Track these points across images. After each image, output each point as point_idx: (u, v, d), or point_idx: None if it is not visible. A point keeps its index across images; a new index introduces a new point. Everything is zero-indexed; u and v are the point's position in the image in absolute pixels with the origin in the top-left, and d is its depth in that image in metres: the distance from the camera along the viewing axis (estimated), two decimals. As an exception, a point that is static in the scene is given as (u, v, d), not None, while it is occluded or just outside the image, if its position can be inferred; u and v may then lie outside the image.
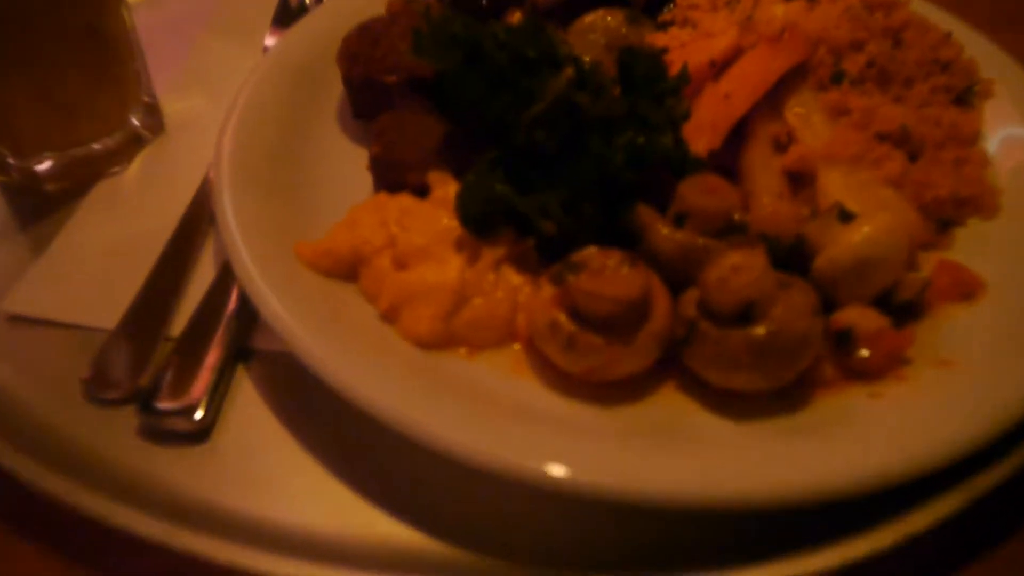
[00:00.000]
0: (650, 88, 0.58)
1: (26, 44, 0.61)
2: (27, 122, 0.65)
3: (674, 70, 0.60)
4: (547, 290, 0.48)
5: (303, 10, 0.80)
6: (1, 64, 0.61)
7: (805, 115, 0.63)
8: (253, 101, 0.64)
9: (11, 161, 0.67)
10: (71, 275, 0.60)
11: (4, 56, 0.61)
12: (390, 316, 0.51)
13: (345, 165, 0.63)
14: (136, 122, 0.70)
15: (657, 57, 0.60)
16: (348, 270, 0.53)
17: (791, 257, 0.51)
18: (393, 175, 0.58)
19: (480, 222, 0.52)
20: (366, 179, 0.61)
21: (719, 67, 0.65)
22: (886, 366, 0.49)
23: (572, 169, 0.53)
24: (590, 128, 0.53)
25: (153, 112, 0.72)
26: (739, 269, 0.45)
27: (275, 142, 0.63)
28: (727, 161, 0.61)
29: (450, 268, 0.50)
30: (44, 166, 0.67)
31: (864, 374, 0.49)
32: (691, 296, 0.48)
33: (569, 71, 0.53)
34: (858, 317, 0.49)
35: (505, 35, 0.56)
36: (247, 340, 0.54)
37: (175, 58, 0.79)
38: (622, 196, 0.53)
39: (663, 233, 0.50)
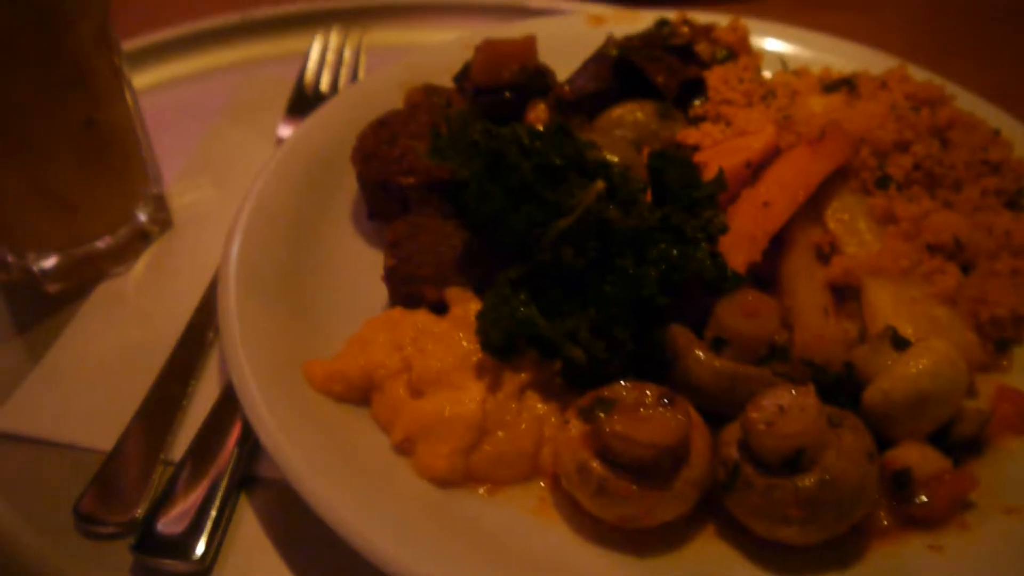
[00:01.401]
0: (683, 197, 0.56)
1: (21, 137, 0.59)
2: (25, 218, 0.63)
3: (707, 170, 0.58)
4: (575, 426, 0.45)
5: (319, 98, 0.79)
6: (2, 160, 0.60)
7: (848, 222, 0.60)
8: (264, 200, 0.62)
9: (9, 259, 0.65)
10: (67, 389, 0.58)
11: (6, 153, 0.60)
12: (404, 448, 0.48)
13: (358, 270, 0.61)
14: (142, 217, 0.68)
15: (690, 163, 0.58)
16: (360, 394, 0.51)
17: (838, 386, 0.48)
18: (409, 289, 0.55)
19: (503, 347, 0.50)
20: (380, 286, 0.58)
21: (755, 168, 0.63)
22: (947, 513, 0.45)
23: (601, 289, 0.50)
24: (621, 244, 0.51)
25: (160, 205, 0.70)
26: (788, 411, 0.42)
27: (285, 245, 0.61)
28: (765, 269, 0.59)
29: (470, 397, 0.48)
30: (44, 265, 0.65)
31: (923, 522, 0.45)
32: (732, 434, 0.45)
33: (599, 183, 0.51)
34: (916, 458, 0.46)
35: (530, 141, 0.55)
36: (251, 467, 0.52)
37: (185, 145, 0.78)
38: (655, 317, 0.51)
39: (701, 360, 0.47)
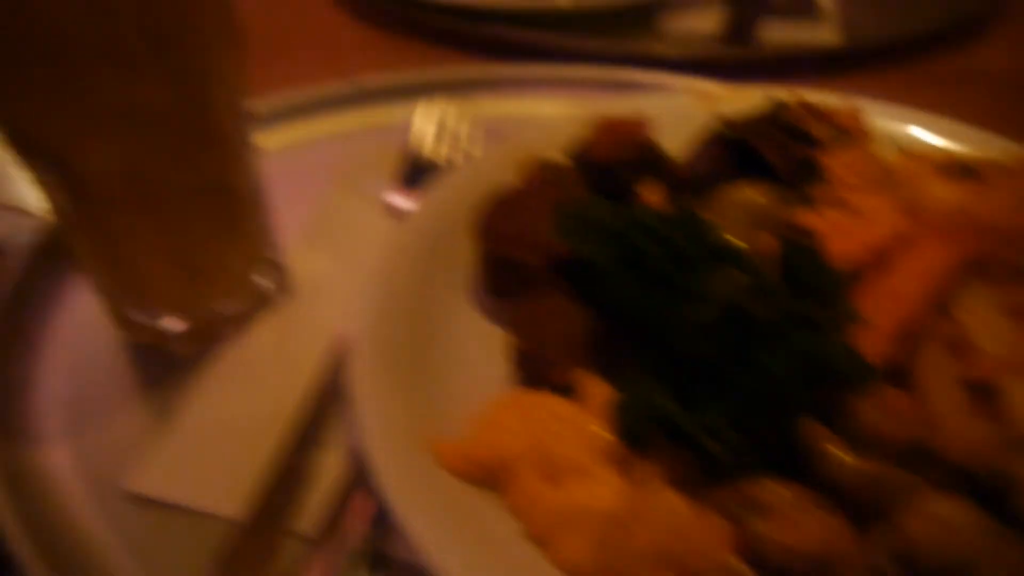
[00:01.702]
0: (814, 286, 0.55)
1: (153, 201, 0.61)
2: (153, 280, 0.65)
3: (831, 257, 0.58)
4: (715, 522, 0.45)
5: (427, 168, 0.81)
6: (129, 221, 0.62)
7: (982, 315, 0.59)
8: (387, 274, 0.64)
9: (138, 319, 0.68)
10: (194, 453, 0.59)
11: (132, 212, 0.61)
12: (540, 538, 0.48)
13: (479, 347, 0.61)
14: (262, 282, 0.70)
15: (818, 250, 0.57)
16: (490, 478, 0.51)
17: (990, 494, 0.47)
18: (536, 371, 0.56)
19: (638, 437, 0.50)
20: (501, 364, 0.59)
21: (881, 257, 0.62)
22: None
23: (738, 380, 0.50)
24: (758, 335, 0.51)
25: (279, 271, 0.72)
26: (948, 523, 0.41)
27: (408, 319, 0.62)
28: (894, 364, 0.57)
29: (607, 488, 0.47)
30: (170, 325, 0.67)
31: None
32: (880, 538, 0.44)
33: (740, 275, 0.51)
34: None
35: (661, 226, 0.55)
36: (382, 545, 0.52)
37: (296, 210, 0.80)
38: (791, 411, 0.50)
39: (846, 462, 0.47)
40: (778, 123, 0.74)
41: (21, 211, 0.80)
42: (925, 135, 0.81)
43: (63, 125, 0.55)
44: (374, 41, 1.13)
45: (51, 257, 0.74)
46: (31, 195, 0.87)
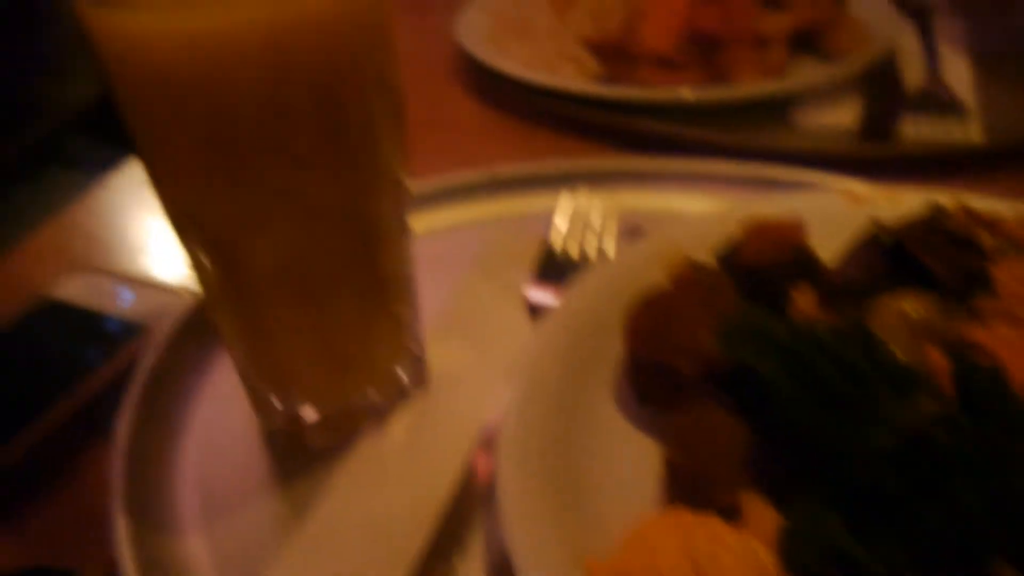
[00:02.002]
0: (996, 412, 0.52)
1: (309, 293, 0.61)
2: (298, 370, 0.66)
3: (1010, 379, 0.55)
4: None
5: (566, 262, 0.80)
6: (281, 309, 0.62)
7: None
8: (532, 374, 0.63)
9: (278, 406, 0.68)
10: (330, 553, 0.58)
11: (285, 301, 0.62)
12: (706, 676, 0.45)
13: (628, 456, 0.59)
14: (403, 373, 0.70)
15: (999, 372, 0.54)
16: (647, 603, 0.48)
17: None
18: (694, 489, 0.53)
19: (809, 571, 0.46)
20: (653, 476, 0.56)
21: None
22: None
23: (923, 515, 0.46)
24: (948, 466, 0.47)
25: (418, 362, 0.71)
26: None
27: (554, 423, 0.60)
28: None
29: (778, 627, 0.44)
30: (308, 415, 0.67)
31: None
32: None
33: (925, 400, 0.48)
34: None
35: (831, 340, 0.52)
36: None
37: (434, 300, 0.80)
38: (983, 554, 0.46)
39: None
40: (938, 229, 0.71)
41: (168, 289, 0.82)
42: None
43: (227, 213, 0.57)
44: (509, 129, 1.15)
45: (195, 336, 0.75)
46: (180, 273, 0.90)
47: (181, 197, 0.57)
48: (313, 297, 0.61)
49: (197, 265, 0.63)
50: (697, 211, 0.88)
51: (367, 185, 0.57)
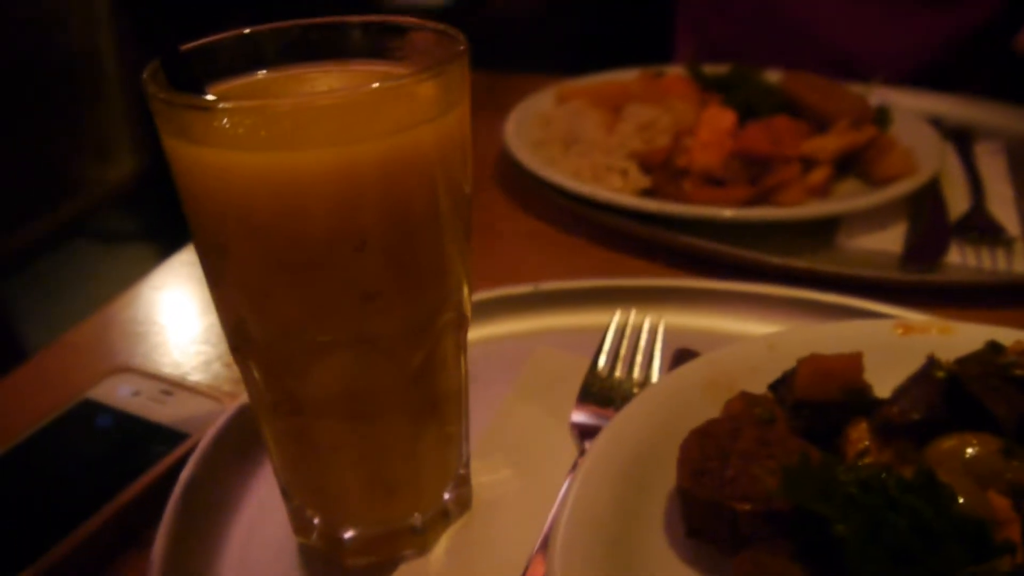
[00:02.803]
0: (1072, 570, 0.50)
1: (365, 417, 0.61)
2: (343, 494, 0.65)
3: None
4: None
5: (612, 384, 0.80)
6: (333, 434, 0.62)
7: None
8: (579, 504, 0.62)
9: (316, 523, 0.67)
10: None
11: (338, 426, 0.62)
12: None
13: (680, 596, 0.58)
14: (447, 495, 0.69)
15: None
16: None
17: None
18: (756, 638, 0.51)
19: None
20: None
21: None
22: None
23: None
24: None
25: (464, 484, 0.71)
26: None
27: (602, 557, 0.59)
28: None
29: None
30: (348, 535, 0.66)
31: None
32: None
33: (1000, 559, 0.47)
34: None
35: (900, 491, 0.52)
36: None
37: (478, 417, 0.79)
38: None
39: None
40: (997, 368, 0.70)
41: (210, 394, 0.82)
42: None
43: (288, 332, 0.57)
44: (553, 238, 1.17)
45: (236, 447, 0.75)
46: (223, 376, 0.90)
47: (243, 311, 0.58)
48: (366, 418, 0.61)
49: (247, 378, 0.63)
50: (745, 333, 0.88)
51: (432, 312, 0.58)
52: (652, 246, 1.09)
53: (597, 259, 1.10)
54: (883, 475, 0.53)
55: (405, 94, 0.52)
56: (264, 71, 0.60)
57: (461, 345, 0.64)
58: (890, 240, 1.11)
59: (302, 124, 0.49)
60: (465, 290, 0.62)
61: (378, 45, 0.61)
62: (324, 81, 0.60)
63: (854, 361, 0.70)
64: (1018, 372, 0.69)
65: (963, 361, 0.71)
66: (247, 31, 0.59)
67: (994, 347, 0.73)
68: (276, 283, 0.54)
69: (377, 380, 0.58)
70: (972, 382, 0.68)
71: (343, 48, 0.61)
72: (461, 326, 0.63)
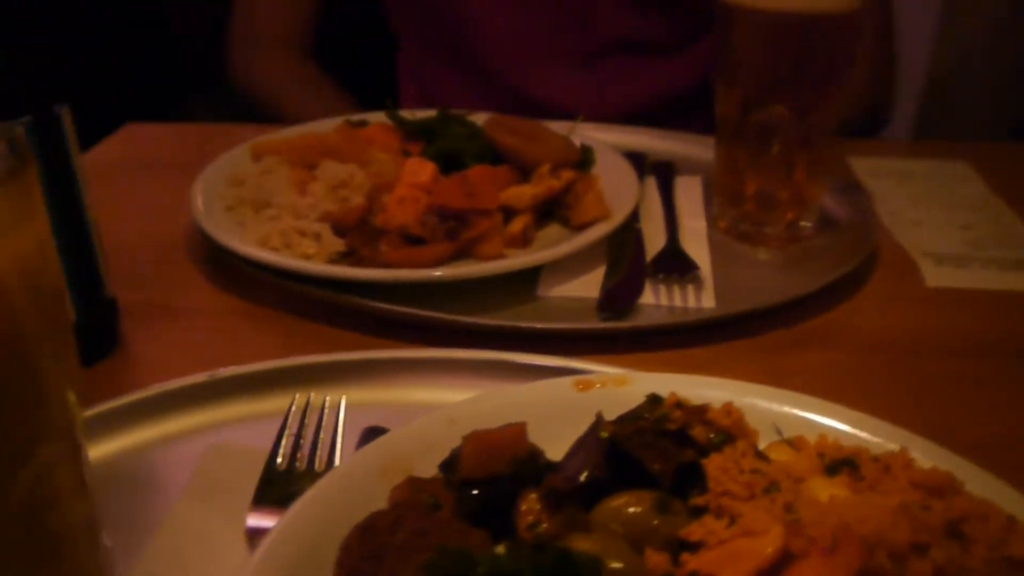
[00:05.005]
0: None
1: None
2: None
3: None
4: None
5: (293, 478, 0.80)
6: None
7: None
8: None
9: None
10: None
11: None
12: None
13: None
14: (93, 633, 0.66)
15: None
16: None
17: None
18: None
19: None
20: None
21: (768, 577, 0.64)
22: None
23: None
24: None
25: (115, 613, 0.68)
26: None
27: None
28: None
29: None
30: None
31: None
32: None
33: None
34: None
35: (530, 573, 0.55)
36: None
37: (144, 525, 0.77)
38: None
39: None
40: (653, 422, 0.77)
41: None
42: (801, 416, 0.86)
43: None
44: (245, 314, 1.15)
45: None
46: None
47: None
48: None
49: None
50: (440, 403, 0.91)
51: (26, 447, 0.56)
52: (348, 314, 1.10)
53: (294, 334, 1.10)
54: (517, 556, 0.56)
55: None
56: None
57: (79, 475, 0.62)
58: (590, 286, 1.19)
59: None
60: (76, 414, 0.60)
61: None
62: None
63: (518, 431, 0.74)
64: (670, 426, 0.76)
65: (622, 419, 0.77)
66: None
67: (653, 400, 0.79)
68: None
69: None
70: (628, 440, 0.74)
71: None
72: (75, 455, 0.60)
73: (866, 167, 1.65)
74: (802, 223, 1.34)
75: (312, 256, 1.14)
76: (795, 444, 0.80)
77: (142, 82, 2.68)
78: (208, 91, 2.35)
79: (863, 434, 0.83)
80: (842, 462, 0.76)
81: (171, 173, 1.43)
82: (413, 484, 0.71)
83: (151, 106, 1.95)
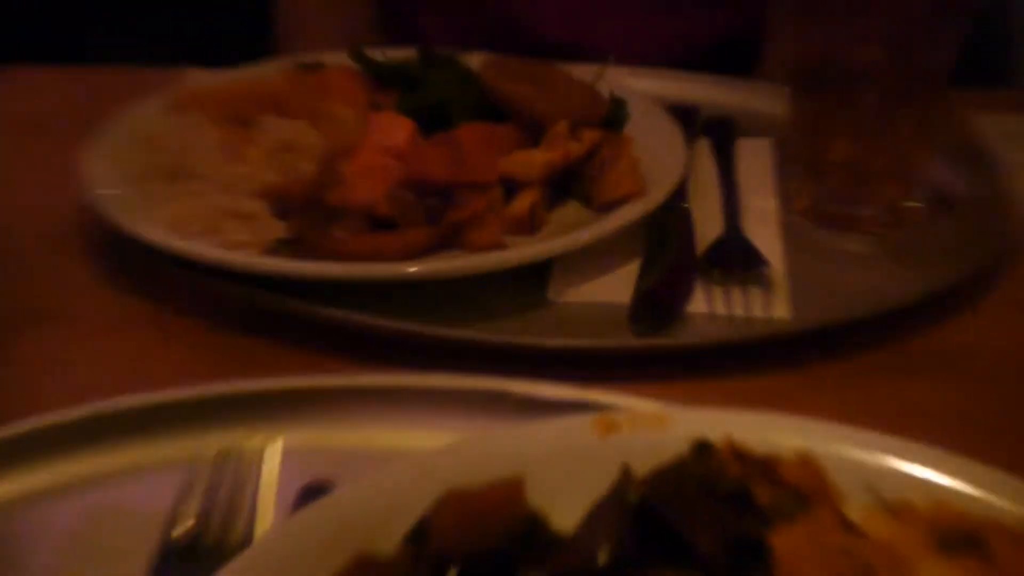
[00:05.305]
0: None
1: None
2: None
3: None
4: None
5: (203, 550, 0.77)
6: None
7: None
8: None
9: None
10: None
11: None
12: None
13: None
14: None
15: None
16: None
17: None
18: None
19: None
20: None
21: None
22: None
23: None
24: None
25: None
26: None
27: None
28: None
29: None
30: None
31: None
32: None
33: None
34: None
35: None
36: None
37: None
38: None
39: None
40: (702, 480, 0.73)
41: None
42: (905, 469, 0.82)
43: None
44: (157, 324, 1.13)
45: None
46: None
47: None
48: None
49: None
50: (411, 450, 0.88)
51: None
52: (290, 325, 1.08)
53: (214, 351, 1.07)
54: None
55: None
56: None
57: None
58: (619, 288, 1.15)
59: None
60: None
61: None
62: None
63: (512, 490, 0.71)
64: (724, 484, 0.73)
65: (658, 476, 0.74)
66: None
67: (700, 448, 0.76)
68: None
69: None
70: (664, 505, 0.71)
71: None
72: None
73: (997, 127, 1.61)
74: (907, 203, 1.31)
75: (244, 245, 1.12)
76: (899, 512, 0.76)
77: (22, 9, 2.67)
78: (110, 22, 2.33)
79: (994, 498, 0.78)
80: (965, 539, 0.73)
81: (59, 131, 1.41)
82: (366, 565, 0.68)
83: (35, 43, 1.93)
